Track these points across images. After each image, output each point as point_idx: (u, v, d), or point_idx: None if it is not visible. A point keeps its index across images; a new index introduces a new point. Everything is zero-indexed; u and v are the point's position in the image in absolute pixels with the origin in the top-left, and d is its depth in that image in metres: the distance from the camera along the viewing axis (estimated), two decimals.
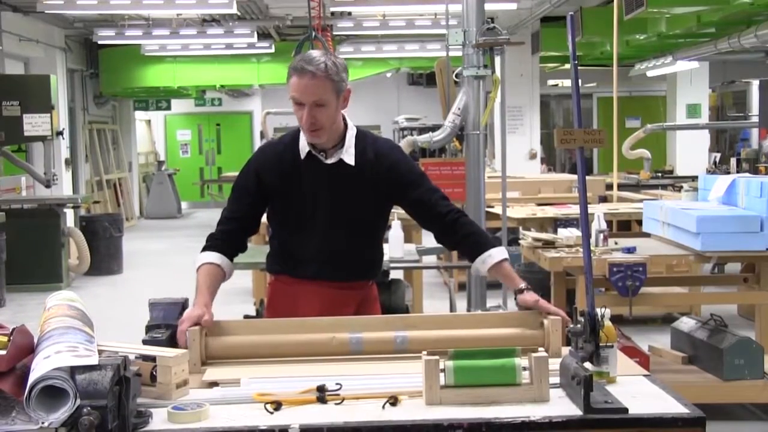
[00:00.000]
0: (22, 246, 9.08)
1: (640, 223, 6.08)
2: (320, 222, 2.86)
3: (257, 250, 5.54)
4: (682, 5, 8.95)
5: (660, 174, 11.77)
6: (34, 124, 9.28)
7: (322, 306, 2.82)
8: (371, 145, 2.92)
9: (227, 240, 2.87)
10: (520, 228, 6.68)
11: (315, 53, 2.80)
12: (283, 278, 2.99)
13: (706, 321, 4.83)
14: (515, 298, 2.64)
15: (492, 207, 6.85)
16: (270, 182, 2.87)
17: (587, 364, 2.12)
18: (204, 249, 2.85)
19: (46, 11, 10.21)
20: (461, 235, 2.86)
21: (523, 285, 2.65)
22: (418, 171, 2.99)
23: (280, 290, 3.00)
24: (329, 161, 2.85)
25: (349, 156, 2.85)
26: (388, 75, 17.23)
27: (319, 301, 2.86)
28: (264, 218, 3.08)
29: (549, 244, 5.03)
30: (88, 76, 15.08)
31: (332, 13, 11.56)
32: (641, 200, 7.48)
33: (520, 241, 5.56)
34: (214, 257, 2.81)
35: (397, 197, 2.93)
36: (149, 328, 2.54)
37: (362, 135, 2.93)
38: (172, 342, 2.48)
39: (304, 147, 2.86)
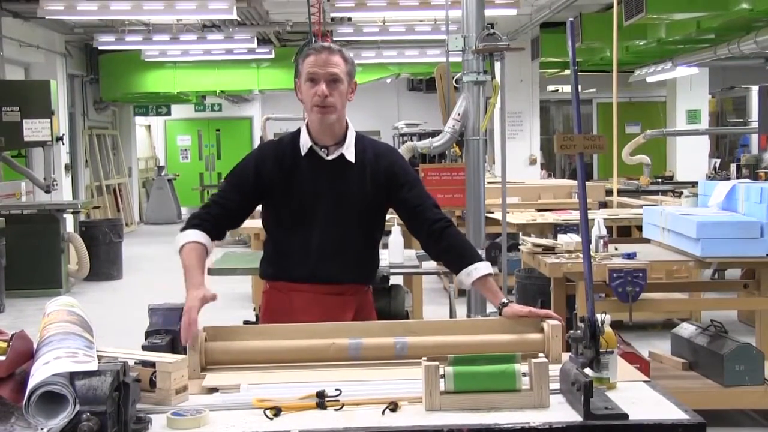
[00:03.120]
0: (21, 251, 9.08)
1: (640, 228, 6.08)
2: (319, 218, 2.87)
3: (257, 255, 5.53)
4: (682, 11, 8.96)
5: (660, 180, 11.78)
6: (34, 129, 9.30)
7: (318, 313, 2.80)
8: (371, 146, 2.97)
9: (211, 221, 2.85)
10: (520, 234, 6.68)
11: (326, 42, 2.92)
12: (278, 285, 2.97)
13: (706, 327, 4.83)
14: (499, 313, 2.60)
15: (492, 213, 6.84)
16: (269, 178, 2.88)
17: (587, 370, 2.12)
18: (186, 227, 2.83)
19: (46, 17, 10.23)
20: (447, 245, 2.86)
21: (505, 300, 2.61)
22: (415, 175, 3.03)
23: (275, 298, 2.97)
24: (330, 157, 2.89)
25: (349, 153, 2.90)
26: (388, 80, 17.24)
27: (315, 309, 2.84)
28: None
29: (549, 250, 5.02)
30: (88, 82, 15.10)
31: (332, 19, 11.58)
32: (641, 206, 7.48)
33: (520, 247, 5.56)
34: (198, 236, 2.80)
35: (392, 196, 2.93)
36: (149, 334, 2.54)
37: (362, 137, 2.99)
38: (171, 347, 2.48)
39: (305, 143, 2.89)
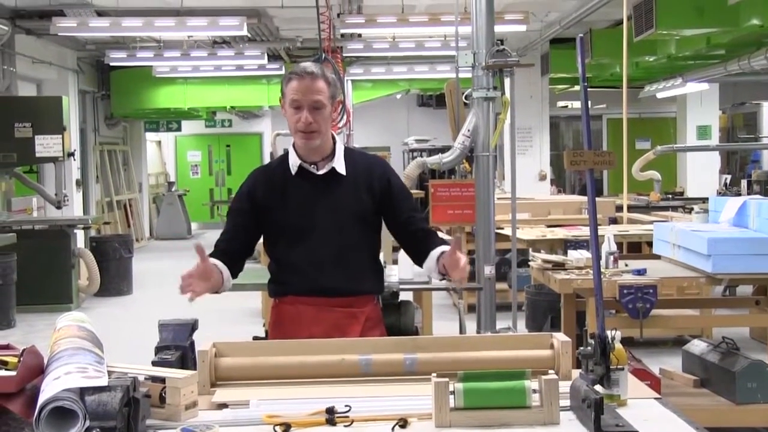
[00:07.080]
0: (32, 267, 9.11)
1: (650, 244, 6.05)
2: (317, 231, 2.90)
3: (266, 271, 5.53)
4: (692, 27, 8.95)
5: (670, 196, 11.73)
6: (45, 145, 9.34)
7: (325, 326, 2.85)
8: (361, 157, 3.06)
9: (225, 258, 2.91)
10: (530, 250, 6.67)
11: (309, 63, 2.96)
12: (286, 299, 3.00)
13: (717, 344, 4.80)
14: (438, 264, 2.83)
15: (502, 228, 6.84)
16: (263, 200, 2.94)
17: (598, 387, 2.11)
18: None
19: (59, 34, 10.30)
20: (417, 240, 2.99)
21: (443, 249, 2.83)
22: (406, 187, 3.12)
23: (283, 312, 3.00)
24: (321, 171, 2.94)
25: (340, 165, 2.95)
26: (398, 96, 17.28)
27: (322, 322, 2.88)
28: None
29: (559, 266, 5.01)
30: (100, 98, 15.18)
31: (342, 35, 11.62)
32: (651, 222, 7.45)
33: (530, 263, 5.55)
34: (215, 261, 2.86)
35: (384, 205, 2.99)
36: (159, 349, 2.55)
37: (351, 150, 3.07)
38: (181, 363, 2.48)
39: (294, 163, 2.95)
